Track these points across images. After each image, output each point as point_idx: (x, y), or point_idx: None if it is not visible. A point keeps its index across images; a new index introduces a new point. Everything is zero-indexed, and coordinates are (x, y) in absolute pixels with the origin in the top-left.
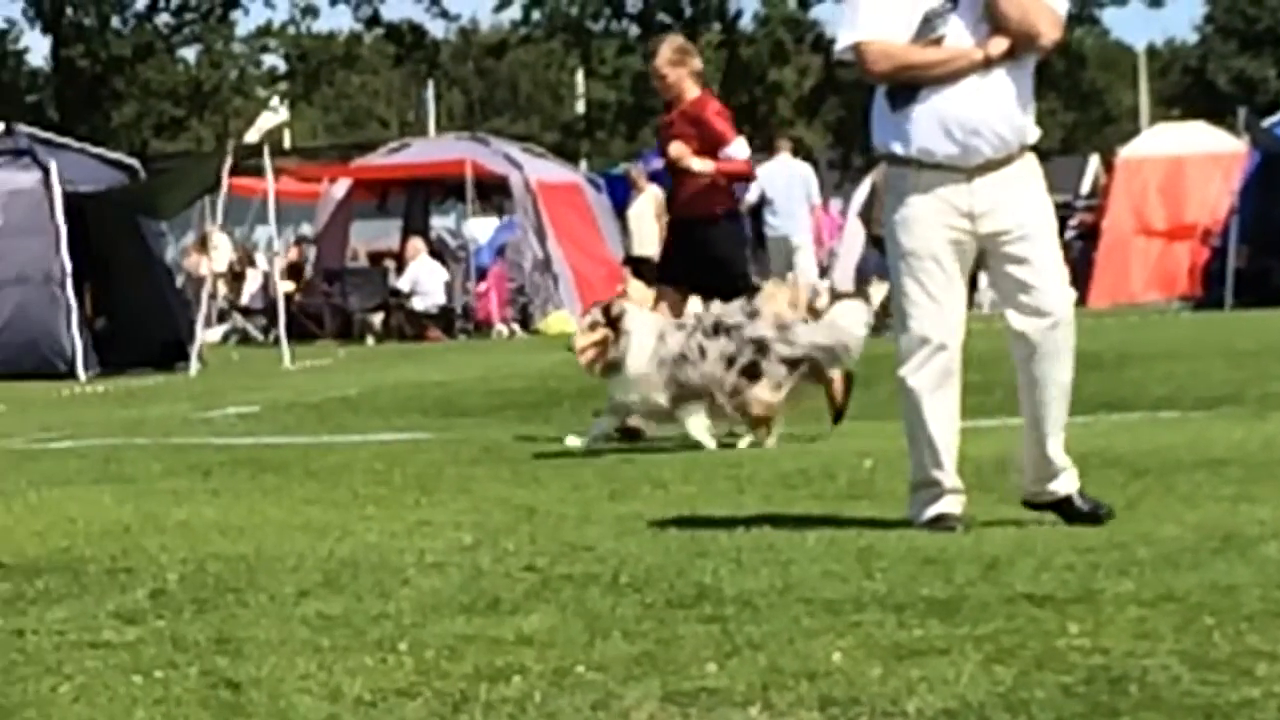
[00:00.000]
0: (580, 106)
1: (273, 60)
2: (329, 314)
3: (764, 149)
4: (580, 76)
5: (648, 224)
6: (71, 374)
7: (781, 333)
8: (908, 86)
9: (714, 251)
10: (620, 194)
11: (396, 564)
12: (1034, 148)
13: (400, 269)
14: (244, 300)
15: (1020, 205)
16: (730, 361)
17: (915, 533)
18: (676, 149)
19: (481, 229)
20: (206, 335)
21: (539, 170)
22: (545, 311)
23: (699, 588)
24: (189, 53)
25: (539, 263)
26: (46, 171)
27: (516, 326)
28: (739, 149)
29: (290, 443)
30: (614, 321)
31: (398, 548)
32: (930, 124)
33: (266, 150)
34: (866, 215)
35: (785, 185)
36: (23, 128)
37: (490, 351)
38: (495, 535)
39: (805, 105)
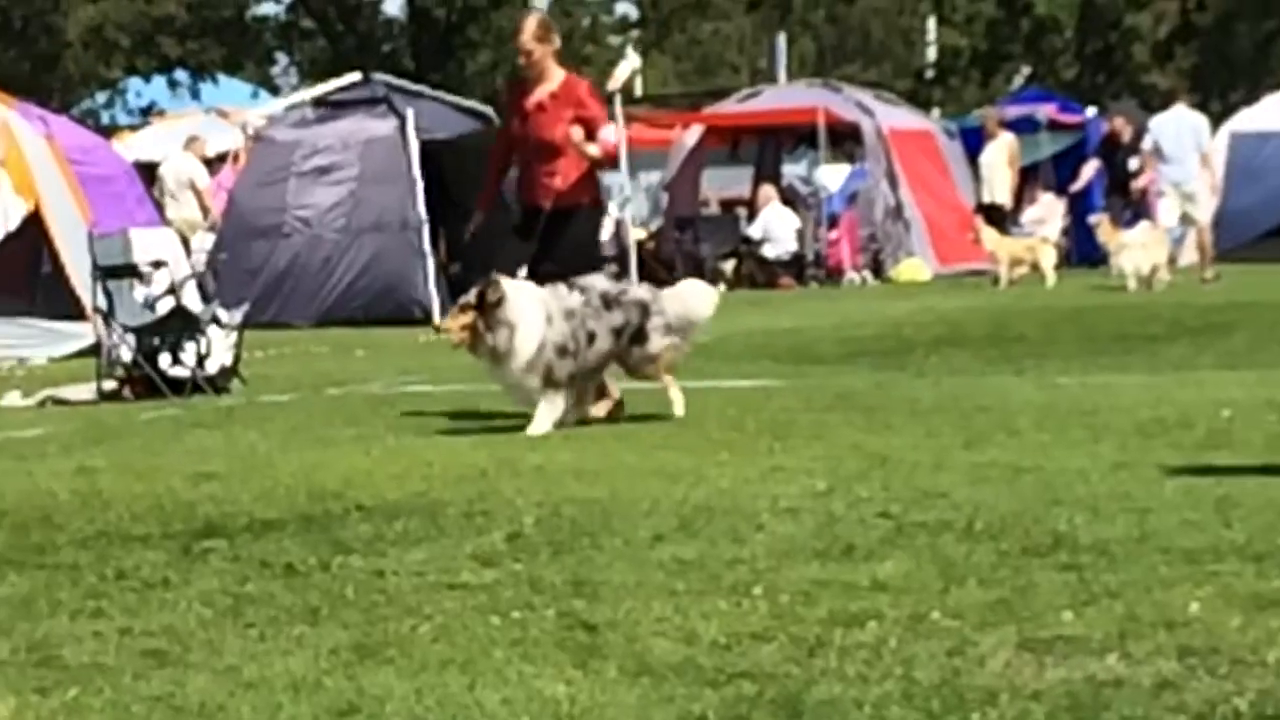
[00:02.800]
0: (932, 53)
1: (625, 7)
2: (680, 261)
3: (1119, 95)
4: (932, 22)
5: (1000, 171)
6: (427, 319)
7: (654, 298)
8: None
9: (590, 239)
10: (972, 141)
11: (750, 509)
12: None
13: (752, 216)
14: None
15: None
16: (619, 332)
17: (1275, 481)
18: (578, 134)
19: (833, 176)
20: None
21: (891, 117)
22: (897, 259)
23: (1054, 535)
24: (541, 0)
25: (891, 210)
26: (402, 119)
27: (868, 274)
28: (611, 132)
29: (643, 388)
30: (491, 307)
31: (751, 493)
32: None
33: (618, 98)
34: None
35: (1175, 134)
36: (379, 76)
37: (842, 299)
38: (848, 481)
39: (1161, 51)
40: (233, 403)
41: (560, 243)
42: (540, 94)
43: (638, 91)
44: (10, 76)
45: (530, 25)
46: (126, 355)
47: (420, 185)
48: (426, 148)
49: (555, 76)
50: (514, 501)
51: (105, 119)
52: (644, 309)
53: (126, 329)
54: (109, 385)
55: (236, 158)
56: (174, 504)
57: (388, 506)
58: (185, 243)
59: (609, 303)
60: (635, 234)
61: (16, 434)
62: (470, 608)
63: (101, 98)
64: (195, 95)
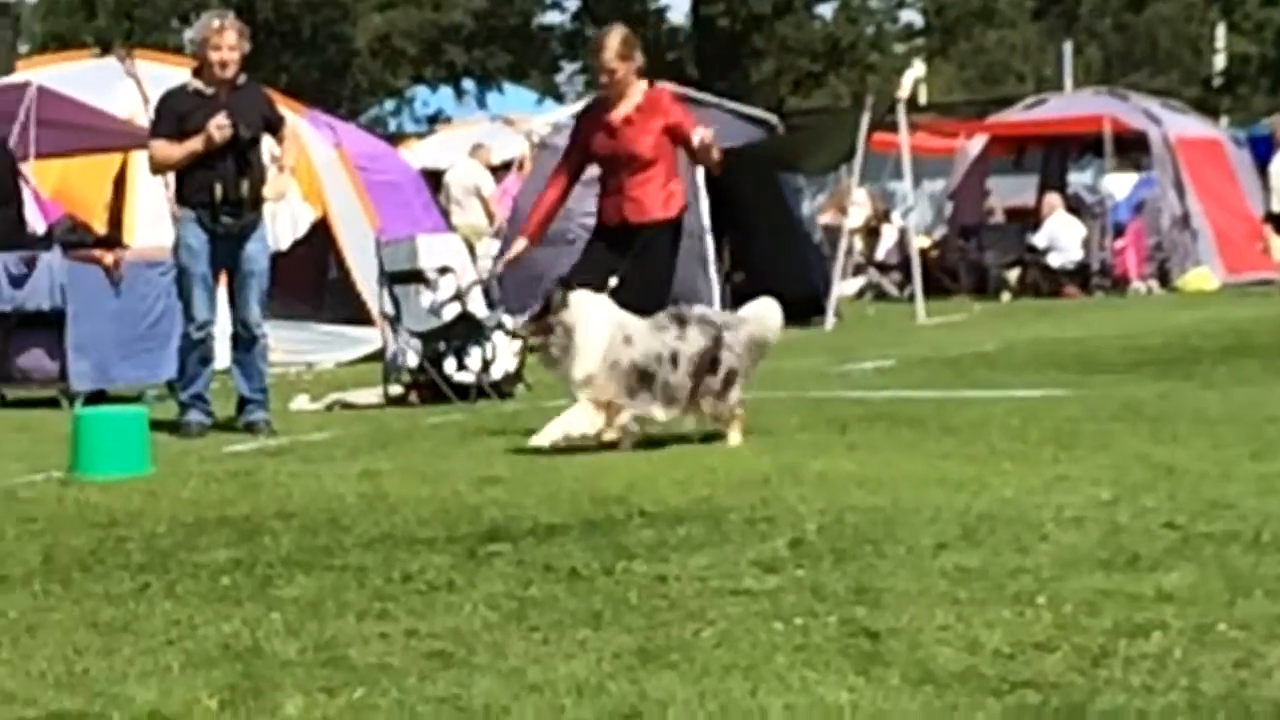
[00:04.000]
0: (1221, 60)
1: (910, 15)
2: (964, 269)
3: None
4: (1221, 30)
5: None
6: None
7: (725, 324)
8: None
9: (667, 275)
10: (1261, 149)
11: (1034, 519)
12: None
13: (1037, 225)
14: (879, 255)
15: None
16: (700, 357)
17: None
18: (701, 134)
19: (1119, 185)
20: (842, 290)
21: (1178, 126)
22: (1184, 268)
23: None
24: (826, 9)
25: (1178, 219)
26: None
27: (1154, 283)
28: (700, 135)
29: (926, 397)
30: (552, 313)
31: (1035, 503)
32: None
33: (902, 106)
34: None
35: None
36: (663, 84)
37: (1128, 308)
38: (1134, 491)
39: None
40: (517, 408)
41: (640, 274)
42: (625, 109)
43: (922, 99)
44: (300, 85)
45: (613, 43)
46: (413, 360)
47: (704, 193)
48: None
49: (637, 91)
50: (797, 508)
51: (392, 127)
52: (717, 338)
53: (413, 334)
54: (395, 390)
55: (521, 165)
56: (459, 508)
57: (670, 512)
58: (471, 249)
59: (683, 323)
60: (919, 242)
61: (304, 437)
62: (753, 613)
63: (389, 106)
64: (481, 103)
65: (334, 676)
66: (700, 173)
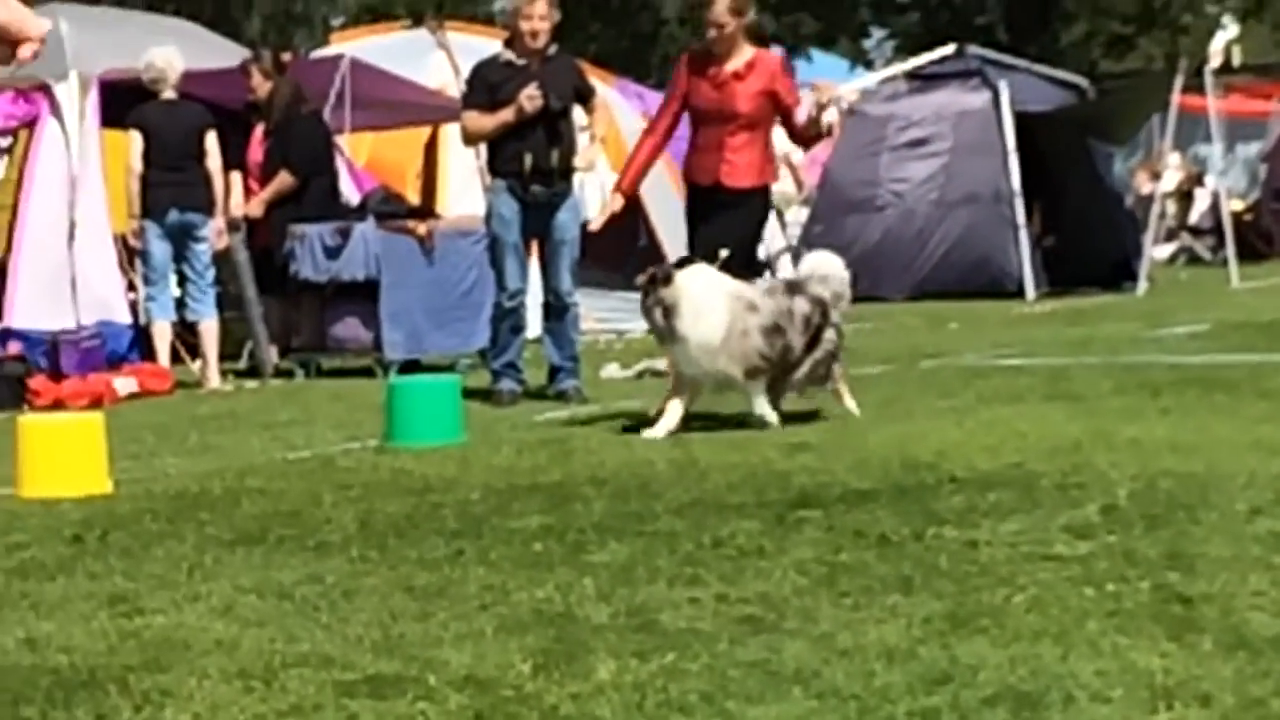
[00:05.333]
0: None
1: None
2: (1279, 233)
3: None
4: None
5: None
6: (1020, 292)
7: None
8: None
9: (754, 235)
10: None
11: None
12: None
13: None
14: (1192, 219)
15: None
16: (807, 323)
17: None
18: (826, 118)
19: None
20: (1155, 254)
21: None
22: None
23: None
24: None
25: None
26: (996, 92)
27: None
28: (804, 115)
29: (1240, 361)
30: (658, 285)
31: None
32: None
33: (1209, 69)
34: None
35: None
36: (973, 49)
37: None
38: None
39: None
40: None
41: (726, 230)
42: (736, 64)
43: (1235, 61)
44: (609, 54)
45: None
46: None
47: (1014, 158)
48: (1020, 120)
49: (745, 51)
50: (1108, 474)
51: None
52: (823, 309)
53: None
54: None
55: (830, 132)
56: (768, 474)
57: (981, 478)
58: (780, 216)
59: (793, 290)
60: (1232, 206)
61: (615, 405)
62: (1064, 579)
63: None
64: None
65: (645, 641)
66: (1011, 136)
